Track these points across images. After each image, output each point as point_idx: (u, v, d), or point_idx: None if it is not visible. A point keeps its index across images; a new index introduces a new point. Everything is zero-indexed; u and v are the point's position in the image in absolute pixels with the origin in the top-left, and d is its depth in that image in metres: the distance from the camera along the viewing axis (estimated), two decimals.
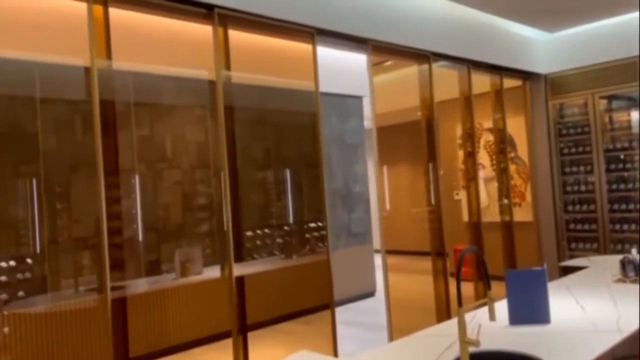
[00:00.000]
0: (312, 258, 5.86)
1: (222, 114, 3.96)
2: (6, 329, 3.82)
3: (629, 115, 6.85)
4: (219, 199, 3.96)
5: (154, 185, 5.57)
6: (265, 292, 5.36)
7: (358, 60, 7.57)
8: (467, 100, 6.36)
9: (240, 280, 4.53)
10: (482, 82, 7.09)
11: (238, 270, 4.36)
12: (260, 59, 4.82)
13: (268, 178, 6.51)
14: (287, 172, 6.47)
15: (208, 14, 3.88)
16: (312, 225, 6.24)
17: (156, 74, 5.11)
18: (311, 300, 5.80)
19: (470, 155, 6.72)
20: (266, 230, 6.09)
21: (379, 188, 5.76)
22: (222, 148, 3.93)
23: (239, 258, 4.84)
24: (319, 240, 6.01)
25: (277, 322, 5.97)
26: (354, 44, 5.05)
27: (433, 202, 5.79)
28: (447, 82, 8.44)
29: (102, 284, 3.36)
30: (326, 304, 4.83)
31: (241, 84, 4.79)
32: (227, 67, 4.37)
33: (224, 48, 4.32)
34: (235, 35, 4.34)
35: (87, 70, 3.43)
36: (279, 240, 6.18)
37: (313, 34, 4.51)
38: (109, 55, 3.69)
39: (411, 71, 9.17)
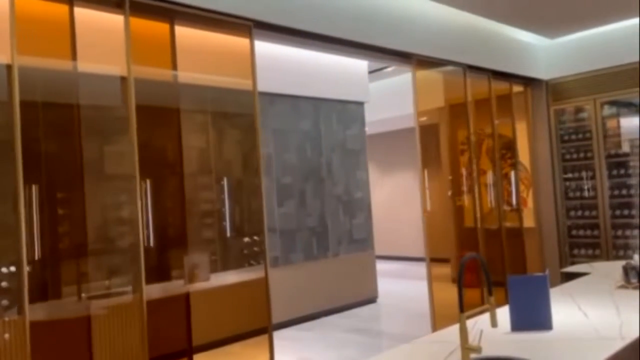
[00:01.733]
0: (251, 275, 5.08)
1: (134, 115, 3.55)
2: (7, 335, 3.76)
3: (630, 121, 6.85)
4: (142, 210, 3.58)
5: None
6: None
7: (359, 66, 7.62)
8: (487, 105, 6.66)
9: (186, 297, 4.25)
10: (485, 88, 7.10)
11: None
12: (202, 57, 4.46)
13: (199, 186, 5.60)
14: (225, 180, 5.61)
15: (119, 2, 3.55)
16: (246, 239, 5.52)
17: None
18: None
19: (470, 160, 6.71)
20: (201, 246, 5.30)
21: (422, 191, 5.84)
22: (133, 152, 3.53)
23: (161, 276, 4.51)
24: (255, 256, 5.32)
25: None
26: (398, 58, 5.51)
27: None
28: (443, 89, 8.45)
29: (20, 305, 3.06)
30: (263, 328, 4.24)
31: (180, 83, 4.43)
32: (174, 66, 4.12)
33: (170, 45, 4.02)
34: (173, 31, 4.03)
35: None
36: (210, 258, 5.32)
37: (250, 27, 4.12)
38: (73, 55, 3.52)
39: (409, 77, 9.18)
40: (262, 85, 6.48)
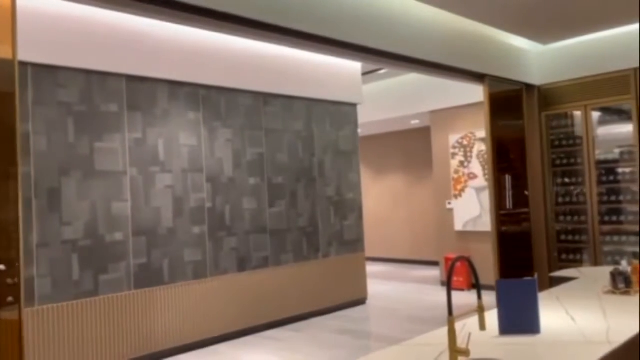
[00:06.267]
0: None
1: None
2: None
3: (620, 127, 6.91)
4: None
5: None
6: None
7: (353, 68, 7.63)
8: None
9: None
10: (476, 92, 7.13)
11: None
12: None
13: None
14: None
15: None
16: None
17: None
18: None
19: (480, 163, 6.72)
20: None
21: (493, 191, 6.26)
22: None
23: None
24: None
25: None
26: (471, 78, 6.37)
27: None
28: (441, 92, 8.50)
29: None
30: None
31: None
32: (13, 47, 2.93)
33: None
34: None
35: None
36: None
37: None
38: None
39: (405, 79, 9.23)
40: (256, 85, 6.53)
